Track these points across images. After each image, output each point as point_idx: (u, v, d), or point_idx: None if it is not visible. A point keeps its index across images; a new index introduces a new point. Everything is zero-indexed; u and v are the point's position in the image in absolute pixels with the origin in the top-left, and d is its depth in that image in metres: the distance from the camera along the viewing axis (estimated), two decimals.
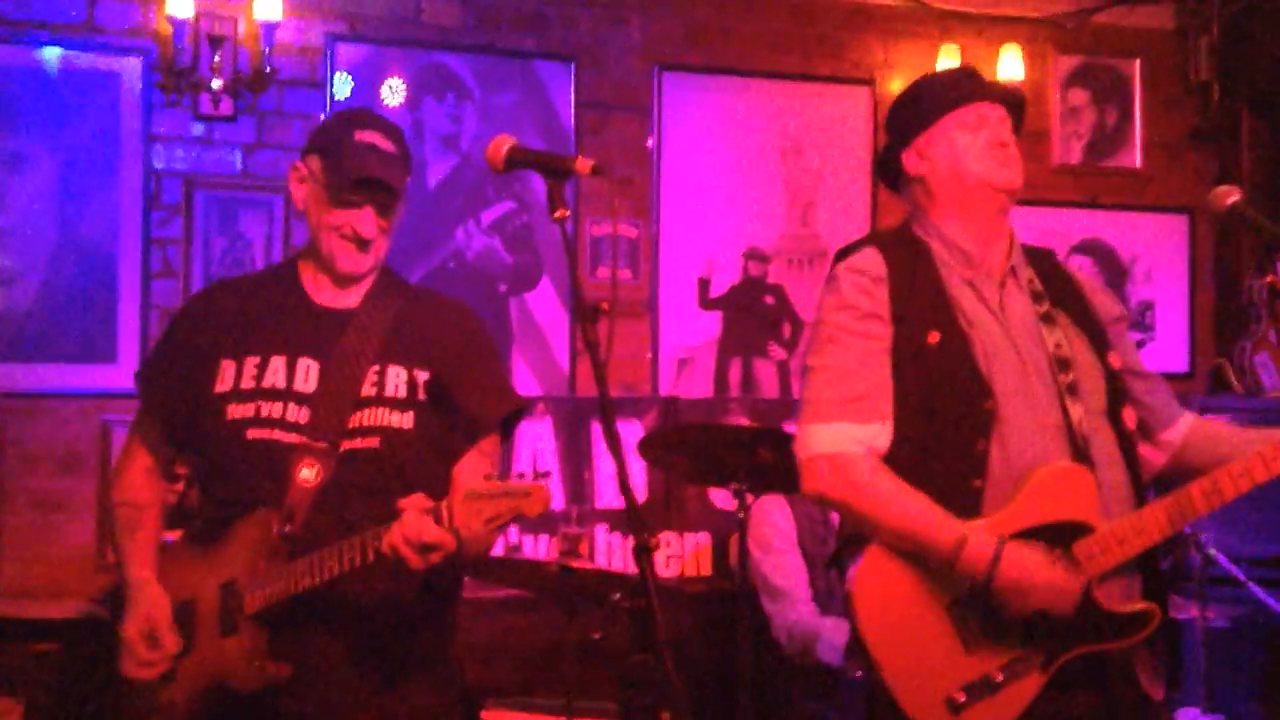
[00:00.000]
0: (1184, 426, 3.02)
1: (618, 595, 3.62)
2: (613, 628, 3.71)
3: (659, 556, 5.10)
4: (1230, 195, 2.72)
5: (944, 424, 2.75)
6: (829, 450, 2.75)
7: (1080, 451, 2.76)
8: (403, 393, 2.76)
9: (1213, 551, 4.28)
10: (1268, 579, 4.36)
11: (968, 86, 2.88)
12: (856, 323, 2.80)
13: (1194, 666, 4.47)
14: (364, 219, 2.74)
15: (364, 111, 3.01)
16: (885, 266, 2.83)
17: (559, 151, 3.46)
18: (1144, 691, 2.85)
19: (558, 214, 2.49)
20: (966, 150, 2.84)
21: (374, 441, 2.73)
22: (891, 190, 3.04)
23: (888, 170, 3.00)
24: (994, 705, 2.69)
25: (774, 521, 4.45)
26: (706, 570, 5.16)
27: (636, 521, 2.42)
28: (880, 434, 2.76)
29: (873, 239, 2.96)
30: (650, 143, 5.30)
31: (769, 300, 5.42)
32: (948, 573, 2.69)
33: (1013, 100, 2.96)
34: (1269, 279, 2.63)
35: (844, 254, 2.94)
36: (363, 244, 2.76)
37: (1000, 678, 2.70)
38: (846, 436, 2.75)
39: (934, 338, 2.78)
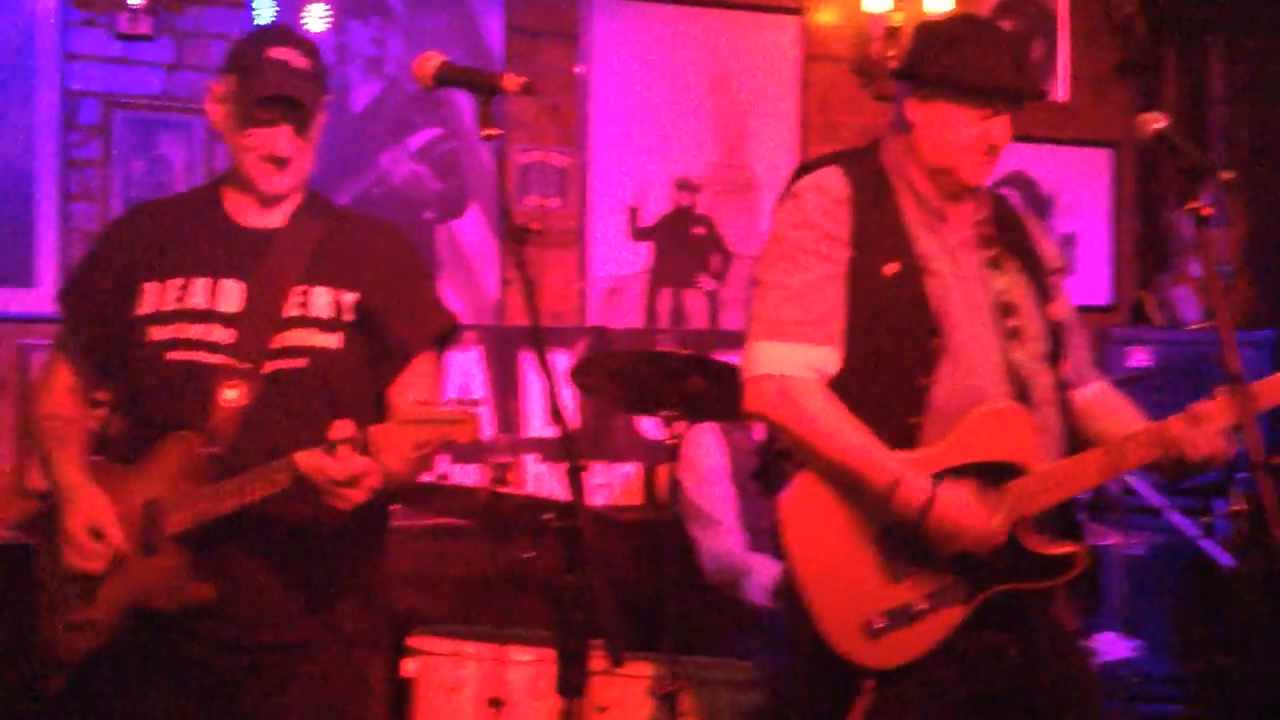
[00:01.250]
0: (1091, 392, 3.07)
1: (548, 516, 3.62)
2: (543, 549, 3.71)
3: (589, 485, 5.10)
4: (1156, 121, 2.73)
5: (889, 357, 2.78)
6: (777, 371, 2.76)
7: (1021, 394, 2.81)
8: (329, 313, 2.73)
9: (1132, 480, 4.36)
10: (1186, 507, 4.45)
11: (999, 85, 2.82)
12: (816, 243, 2.80)
13: (1113, 593, 4.56)
14: (279, 137, 2.70)
15: (278, 29, 2.97)
16: (849, 189, 2.83)
17: None
18: (1059, 621, 2.91)
19: (486, 132, 2.47)
20: (959, 142, 2.83)
21: (301, 362, 2.70)
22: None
23: (899, 75, 2.97)
24: (912, 634, 2.75)
25: (706, 450, 4.45)
26: (637, 500, 5.17)
27: (568, 443, 2.42)
28: (830, 359, 2.79)
29: (838, 159, 2.95)
30: (579, 70, 5.25)
31: (699, 231, 5.41)
32: (881, 507, 2.72)
33: (1031, 98, 2.97)
34: (1192, 205, 2.65)
35: (806, 170, 2.94)
36: (280, 163, 2.72)
37: (921, 607, 2.74)
38: (798, 359, 2.76)
39: (890, 270, 2.80)
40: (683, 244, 5.37)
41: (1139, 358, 5.29)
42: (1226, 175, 2.71)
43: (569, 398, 4.92)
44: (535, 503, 3.94)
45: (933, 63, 2.84)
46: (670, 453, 4.05)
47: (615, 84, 5.29)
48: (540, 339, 2.43)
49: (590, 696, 3.70)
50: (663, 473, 4.42)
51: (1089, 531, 4.48)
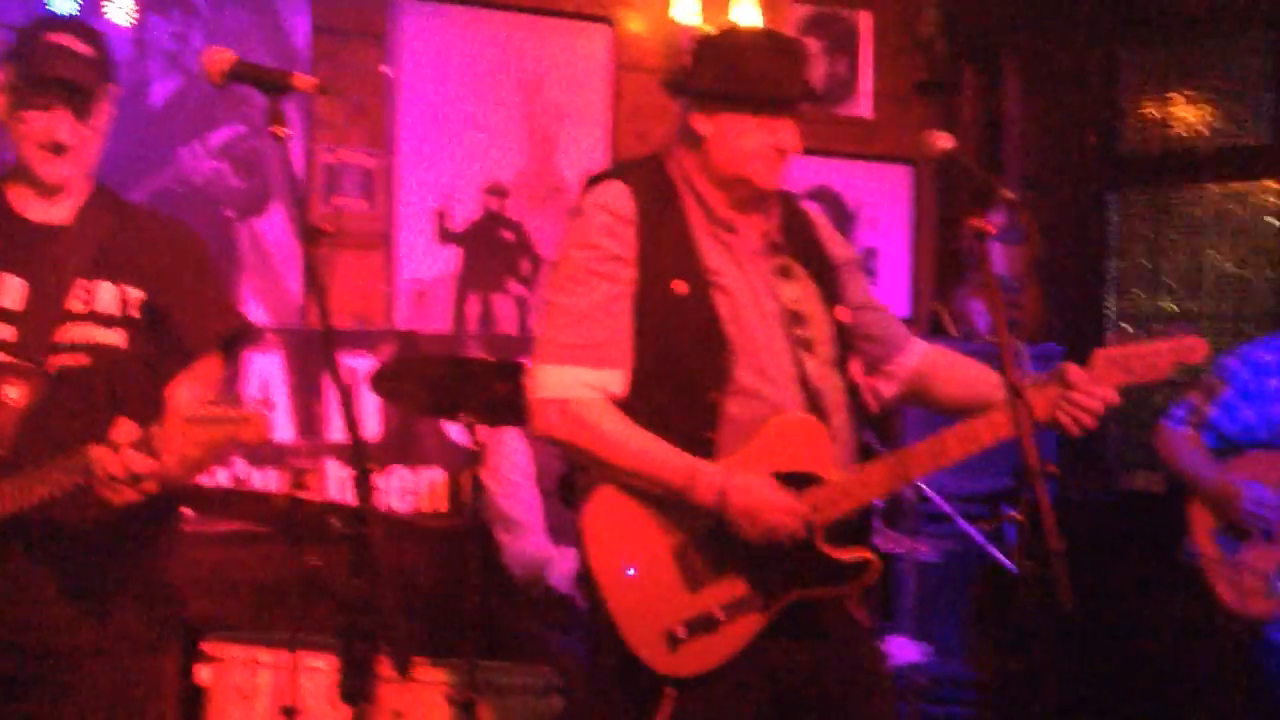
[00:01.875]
0: (914, 357, 3.15)
1: (337, 522, 3.58)
2: (334, 555, 3.66)
3: (394, 491, 5.06)
4: (942, 140, 2.80)
5: (681, 375, 2.81)
6: (560, 395, 2.77)
7: (814, 403, 2.85)
8: (114, 310, 2.67)
9: (925, 488, 4.47)
10: (975, 514, 4.58)
11: (780, 92, 2.85)
12: (600, 264, 2.80)
13: (906, 598, 4.67)
14: (57, 122, 2.63)
15: (62, 16, 2.89)
16: (635, 207, 2.83)
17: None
18: (854, 620, 2.98)
19: (274, 130, 2.44)
20: (750, 151, 2.85)
21: (84, 359, 2.64)
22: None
23: (677, 90, 2.97)
24: (713, 642, 2.78)
25: (511, 455, 4.45)
26: (442, 506, 5.14)
27: (357, 448, 2.41)
28: (615, 380, 2.80)
29: (624, 173, 2.95)
30: (388, 71, 5.20)
31: (508, 236, 5.40)
32: (681, 508, 2.75)
33: (810, 101, 3.00)
34: (974, 223, 2.73)
35: (594, 182, 2.94)
36: (58, 149, 2.64)
37: (722, 616, 2.78)
38: (579, 381, 2.77)
39: (679, 288, 2.82)
40: (492, 249, 5.36)
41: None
42: (1009, 194, 2.77)
43: (372, 403, 4.89)
44: (332, 509, 3.89)
45: (714, 75, 2.86)
46: (475, 458, 4.04)
47: (425, 86, 5.25)
48: (331, 343, 2.42)
49: (385, 703, 3.68)
50: (467, 477, 4.39)
51: (884, 538, 4.60)
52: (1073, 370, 2.85)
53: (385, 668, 2.51)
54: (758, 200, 2.93)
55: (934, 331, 5.97)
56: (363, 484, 2.39)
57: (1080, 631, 5.02)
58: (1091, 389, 2.83)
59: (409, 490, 5.10)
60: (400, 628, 2.38)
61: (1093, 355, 2.90)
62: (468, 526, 3.98)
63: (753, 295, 2.88)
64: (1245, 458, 3.91)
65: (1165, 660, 5.42)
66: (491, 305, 5.34)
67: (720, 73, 2.85)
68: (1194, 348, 2.91)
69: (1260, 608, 3.83)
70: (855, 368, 3.04)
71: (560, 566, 4.18)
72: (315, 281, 2.47)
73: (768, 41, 2.91)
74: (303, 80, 2.47)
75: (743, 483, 2.72)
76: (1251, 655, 3.86)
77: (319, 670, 3.76)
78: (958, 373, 3.13)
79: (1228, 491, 3.86)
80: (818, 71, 5.96)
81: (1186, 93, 5.87)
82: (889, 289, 6.10)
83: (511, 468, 4.44)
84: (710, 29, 5.42)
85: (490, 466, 4.46)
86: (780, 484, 2.75)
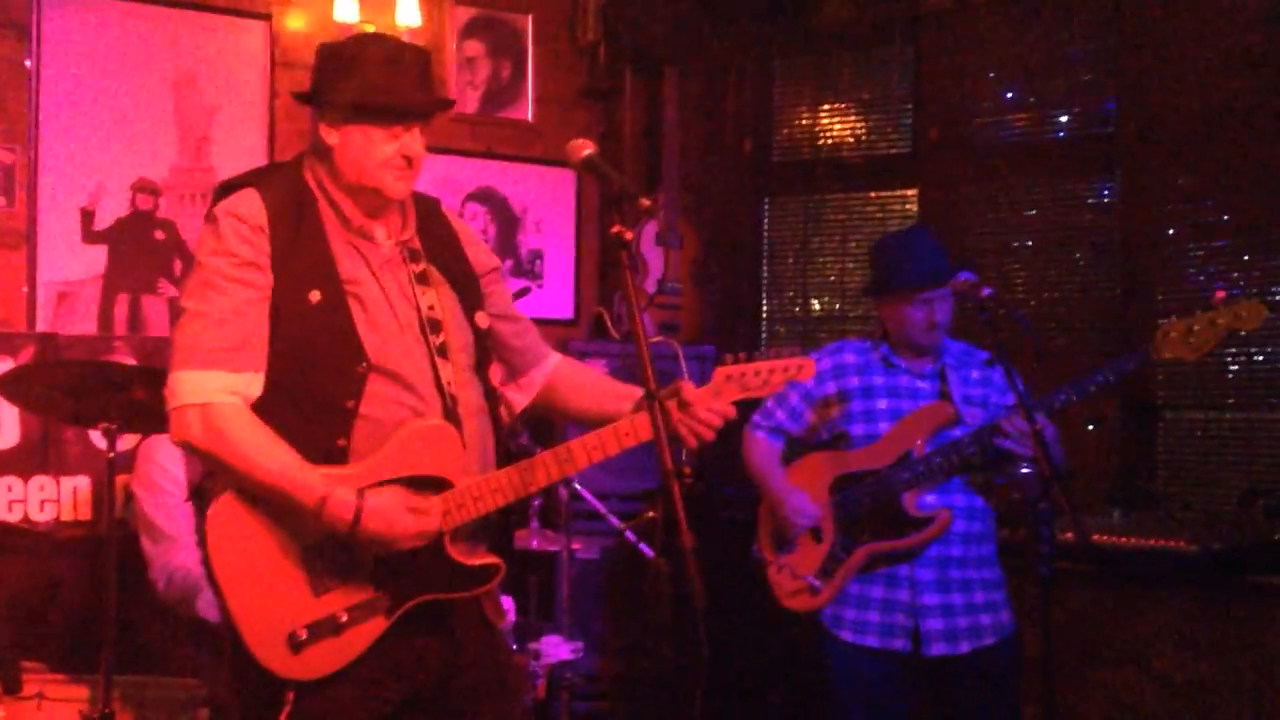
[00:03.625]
0: (547, 369, 3.21)
1: None
2: None
3: (34, 501, 4.85)
4: (585, 148, 2.84)
5: (316, 382, 2.79)
6: (199, 400, 2.73)
7: (449, 410, 2.88)
8: None
9: (578, 487, 4.55)
10: (623, 512, 4.68)
11: (403, 104, 2.85)
12: (235, 270, 2.77)
13: (561, 596, 4.73)
14: None
15: None
16: (266, 215, 2.80)
17: None
18: (488, 621, 3.02)
19: None
20: (377, 162, 2.85)
21: None
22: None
23: (303, 100, 2.94)
24: (336, 644, 2.78)
25: (160, 462, 4.31)
26: (86, 515, 4.95)
27: None
28: (253, 383, 2.77)
29: (256, 180, 2.89)
30: (29, 63, 4.97)
31: (159, 235, 5.24)
32: (311, 523, 2.74)
33: (440, 110, 3.01)
34: (615, 230, 2.79)
35: (224, 191, 2.88)
36: None
37: (344, 619, 2.78)
38: (218, 385, 2.73)
39: (314, 297, 2.80)
40: (142, 248, 5.19)
41: (595, 370, 5.53)
42: (645, 201, 2.83)
43: (10, 409, 4.68)
44: None
45: (337, 87, 2.86)
46: (110, 464, 3.90)
47: (69, 80, 5.05)
48: None
49: None
50: (118, 486, 4.24)
51: (541, 536, 4.66)
52: (687, 388, 2.96)
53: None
54: (389, 206, 2.94)
55: (597, 333, 6.08)
56: None
57: (728, 620, 5.23)
58: (709, 404, 2.94)
59: (50, 499, 4.89)
60: (7, 646, 2.28)
61: (713, 373, 3.02)
62: (110, 536, 3.84)
63: (389, 303, 2.88)
64: (804, 460, 4.09)
65: (805, 650, 5.66)
66: (141, 307, 5.18)
67: (343, 84, 2.85)
68: (802, 366, 3.07)
69: (801, 604, 4.03)
70: (495, 375, 3.09)
71: (211, 596, 4.05)
72: None
73: (390, 51, 2.90)
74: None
75: (375, 506, 2.73)
76: (821, 647, 4.06)
77: None
78: (587, 387, 3.21)
79: (775, 498, 4.06)
80: (480, 75, 5.99)
81: (834, 104, 6.13)
82: (554, 291, 6.18)
83: (161, 475, 4.30)
84: (373, 28, 5.41)
85: (139, 474, 4.33)
86: (412, 497, 2.77)
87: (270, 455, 2.72)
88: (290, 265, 2.80)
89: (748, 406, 3.21)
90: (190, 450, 2.78)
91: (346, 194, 2.90)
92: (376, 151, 2.85)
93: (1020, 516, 3.83)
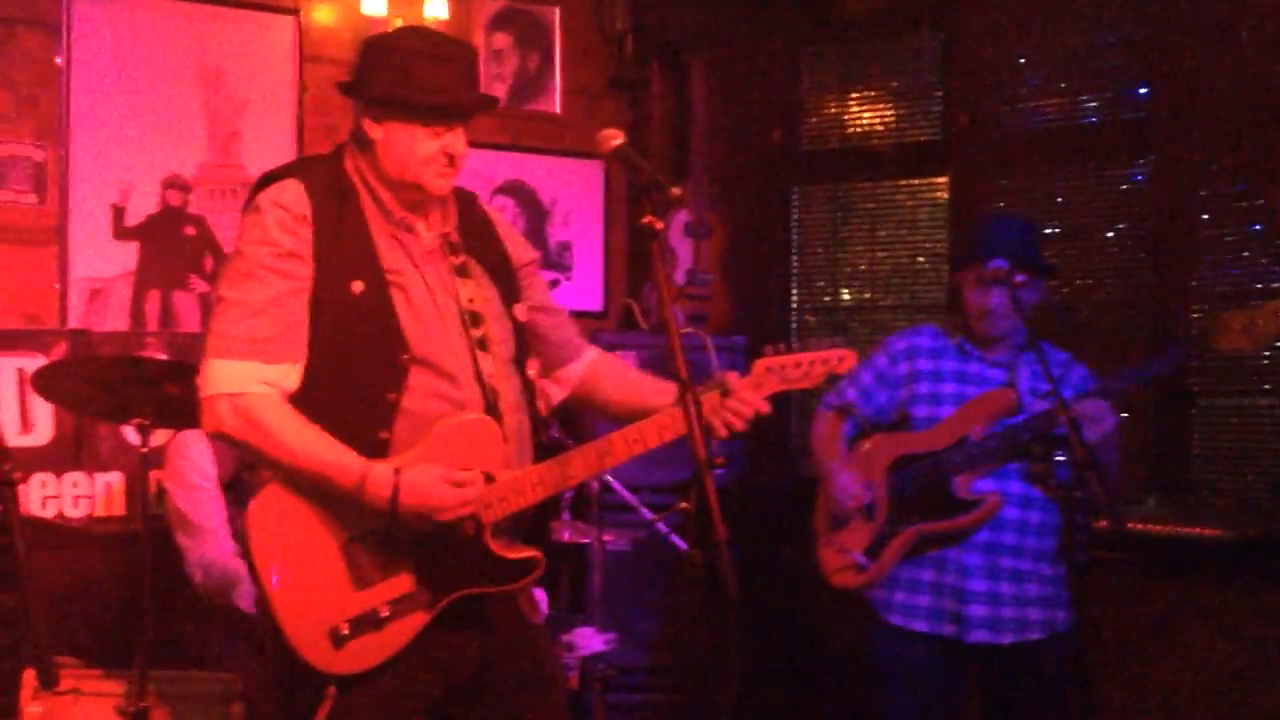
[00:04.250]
0: (584, 364, 3.22)
1: None
2: None
3: (67, 497, 4.87)
4: (614, 138, 2.83)
5: (358, 374, 2.79)
6: (232, 389, 2.73)
7: (490, 404, 2.88)
8: None
9: (610, 479, 4.55)
10: (655, 504, 4.68)
11: (448, 103, 2.84)
12: (276, 260, 2.77)
13: (594, 588, 4.73)
14: None
15: None
16: (310, 206, 2.80)
17: None
18: (525, 618, 3.02)
19: None
20: (420, 158, 2.85)
21: None
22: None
23: (347, 93, 2.94)
24: (378, 638, 2.79)
25: (192, 457, 4.32)
26: (120, 510, 4.97)
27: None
28: (289, 375, 2.77)
29: (298, 170, 2.90)
30: (60, 61, 5.00)
31: (190, 231, 5.26)
32: (349, 506, 2.74)
33: (485, 109, 3.00)
34: (646, 220, 2.78)
35: (266, 182, 2.88)
36: None
37: (386, 613, 2.79)
38: (253, 376, 2.73)
39: (357, 288, 2.80)
40: (172, 244, 5.21)
41: (627, 362, 5.52)
42: (675, 191, 2.80)
43: (45, 405, 4.71)
44: None
45: (381, 82, 2.84)
46: (144, 459, 3.92)
47: (99, 77, 5.07)
48: None
49: (57, 715, 3.55)
50: (151, 481, 4.26)
51: (572, 529, 4.66)
52: (733, 379, 2.98)
53: (33, 682, 2.39)
54: (430, 203, 2.93)
55: (626, 325, 6.07)
56: (6, 493, 2.29)
57: (762, 612, 5.23)
58: (746, 397, 2.95)
59: (84, 495, 4.92)
60: (43, 640, 2.29)
61: (753, 365, 3.02)
62: (144, 531, 3.85)
63: (430, 294, 2.89)
64: (867, 440, 4.09)
65: (838, 640, 5.66)
66: (172, 303, 5.20)
67: (388, 79, 2.83)
68: (843, 358, 3.07)
69: (846, 580, 4.04)
70: (533, 367, 3.09)
71: (248, 585, 4.07)
72: None
73: (436, 47, 2.89)
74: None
75: (412, 479, 2.73)
76: (870, 632, 4.07)
77: None
78: (624, 381, 3.22)
79: (826, 476, 4.08)
80: (508, 67, 5.99)
81: (862, 92, 6.10)
82: (583, 283, 6.18)
83: (192, 470, 4.32)
84: (400, 21, 5.41)
85: (171, 469, 4.35)
86: (451, 470, 2.76)
87: (306, 440, 2.72)
88: (333, 256, 2.80)
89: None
90: (225, 440, 2.79)
91: (387, 187, 2.90)
92: (420, 149, 2.85)
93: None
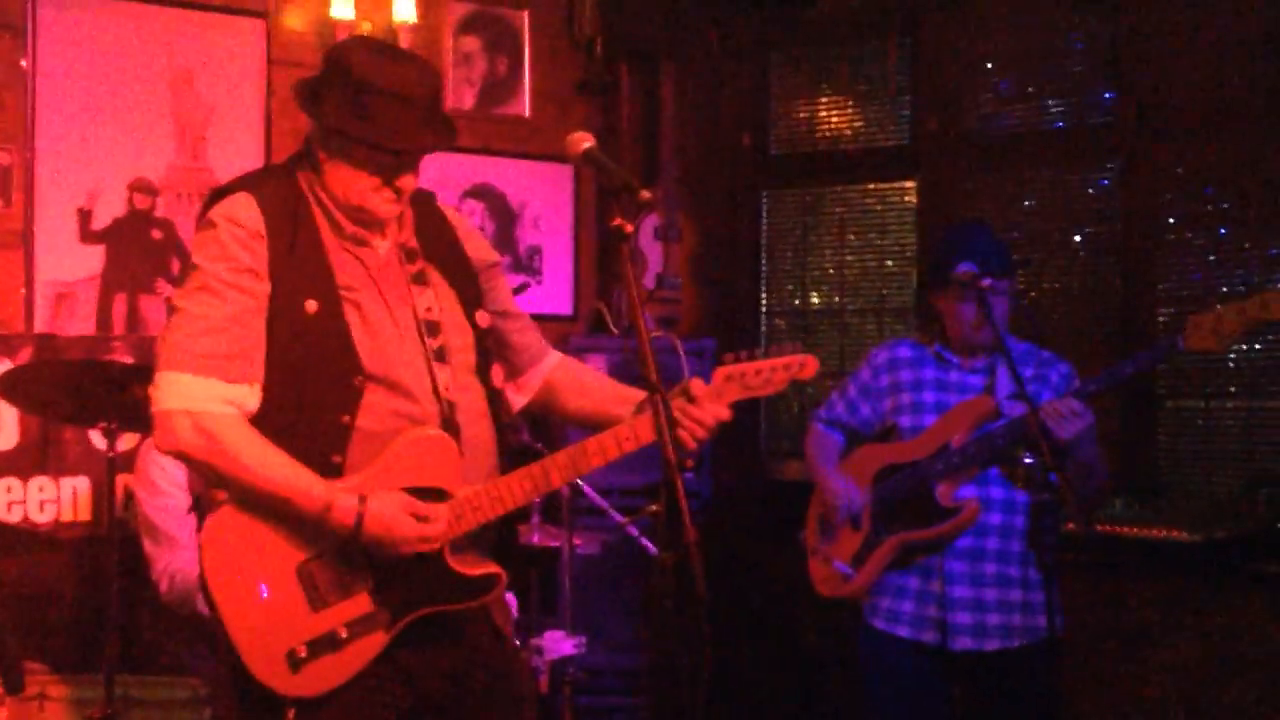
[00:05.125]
0: (546, 368, 3.18)
1: None
2: None
3: (33, 502, 4.84)
4: (584, 141, 2.80)
5: (311, 395, 2.74)
6: (194, 407, 2.65)
7: (447, 417, 2.83)
8: None
9: (580, 482, 4.53)
10: (626, 507, 4.67)
11: (403, 148, 2.75)
12: (235, 276, 2.70)
13: (564, 591, 4.72)
14: None
15: None
16: (264, 222, 2.73)
17: None
18: (496, 628, 2.99)
19: None
20: (364, 187, 2.77)
21: None
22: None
23: (302, 107, 2.82)
24: (336, 660, 2.73)
25: (160, 463, 4.30)
26: (86, 515, 4.93)
27: None
28: (250, 396, 2.71)
29: (250, 185, 2.81)
30: (25, 64, 4.96)
31: (157, 235, 5.23)
32: (305, 527, 2.70)
33: (440, 149, 2.90)
34: (616, 223, 2.77)
35: (218, 196, 2.80)
36: None
37: (344, 634, 2.73)
38: (215, 395, 2.66)
39: (311, 307, 2.74)
40: (139, 248, 5.18)
41: (595, 365, 5.52)
42: (645, 194, 2.77)
43: (9, 409, 4.67)
44: None
45: (339, 113, 2.74)
46: (116, 465, 3.90)
47: (65, 80, 5.04)
48: None
49: None
50: (118, 485, 4.23)
51: (542, 532, 4.65)
52: (697, 385, 2.93)
53: None
54: (376, 223, 2.87)
55: (596, 329, 6.07)
56: None
57: (732, 615, 5.24)
58: (708, 405, 2.91)
59: (50, 500, 4.88)
60: (10, 645, 2.26)
61: (714, 374, 2.98)
62: (111, 536, 3.83)
63: (387, 308, 2.83)
64: (855, 452, 4.12)
65: (810, 643, 5.68)
66: (139, 306, 5.16)
67: (346, 111, 2.73)
68: (804, 364, 3.03)
69: (832, 590, 4.08)
70: (497, 373, 3.06)
71: None
72: None
73: (400, 84, 2.75)
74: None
75: (378, 510, 2.69)
76: (856, 635, 4.10)
77: None
78: (587, 388, 3.17)
79: (820, 485, 4.11)
80: (477, 70, 5.97)
81: (831, 96, 6.12)
82: (552, 287, 6.17)
83: (163, 477, 4.29)
84: (369, 26, 5.40)
85: (141, 476, 4.32)
86: (415, 502, 2.72)
87: (270, 463, 2.66)
88: (287, 274, 2.73)
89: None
90: (180, 458, 2.72)
91: (338, 208, 2.83)
92: (366, 181, 2.78)
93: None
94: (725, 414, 2.93)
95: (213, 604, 2.71)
